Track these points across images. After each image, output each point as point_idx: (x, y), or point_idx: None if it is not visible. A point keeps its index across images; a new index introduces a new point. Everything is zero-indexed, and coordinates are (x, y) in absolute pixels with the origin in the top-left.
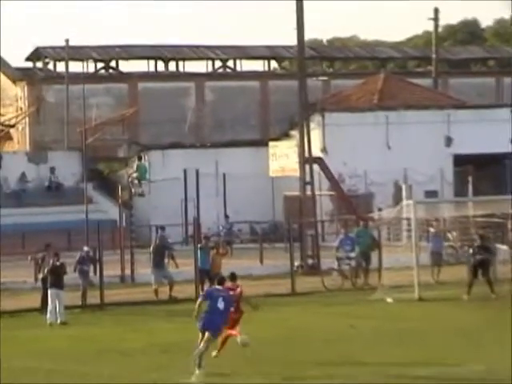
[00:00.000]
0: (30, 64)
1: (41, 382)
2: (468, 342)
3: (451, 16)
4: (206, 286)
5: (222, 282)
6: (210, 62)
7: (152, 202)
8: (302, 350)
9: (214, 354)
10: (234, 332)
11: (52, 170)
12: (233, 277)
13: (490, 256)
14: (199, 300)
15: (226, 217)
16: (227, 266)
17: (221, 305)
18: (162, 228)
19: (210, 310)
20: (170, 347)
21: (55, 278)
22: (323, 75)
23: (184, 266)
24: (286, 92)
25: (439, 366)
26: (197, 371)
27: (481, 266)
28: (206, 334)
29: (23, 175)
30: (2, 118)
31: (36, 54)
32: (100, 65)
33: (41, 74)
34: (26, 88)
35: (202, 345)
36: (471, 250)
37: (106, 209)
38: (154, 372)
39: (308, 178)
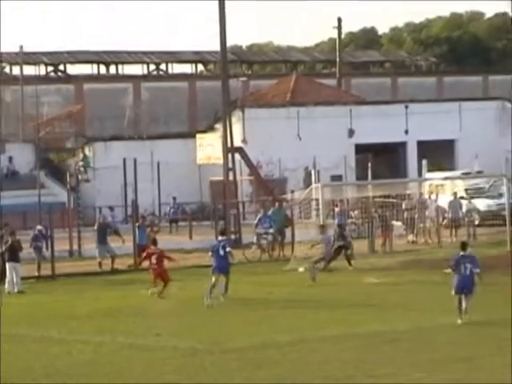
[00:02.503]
0: None
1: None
2: (370, 306)
3: (353, 24)
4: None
5: (223, 233)
6: (145, 66)
7: (96, 186)
8: (228, 314)
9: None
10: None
11: (10, 159)
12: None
13: (345, 243)
14: (210, 253)
15: (174, 198)
16: (161, 241)
17: (222, 251)
18: (111, 208)
19: (215, 258)
20: (113, 312)
21: (12, 253)
22: (243, 76)
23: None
24: (211, 91)
25: (345, 326)
26: (208, 300)
27: (341, 250)
28: (217, 275)
29: None
30: None
31: None
32: (50, 68)
33: None
34: None
35: (213, 280)
36: (333, 237)
37: (56, 193)
38: (99, 334)
39: (230, 165)
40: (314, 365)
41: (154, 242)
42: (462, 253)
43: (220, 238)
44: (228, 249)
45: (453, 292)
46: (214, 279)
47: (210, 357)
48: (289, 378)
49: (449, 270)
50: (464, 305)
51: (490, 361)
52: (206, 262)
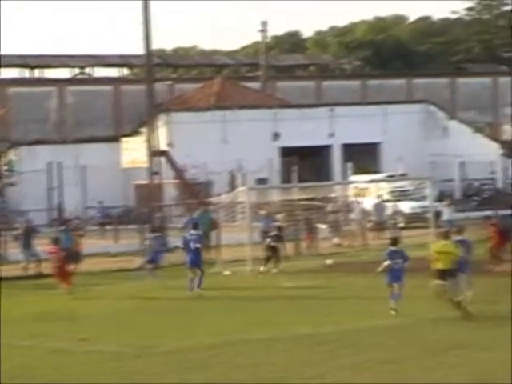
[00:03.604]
0: None
1: None
2: (295, 308)
3: (278, 28)
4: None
5: (196, 227)
6: (70, 69)
7: (22, 190)
8: (151, 319)
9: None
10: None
11: None
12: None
13: (279, 244)
14: (181, 246)
15: (100, 202)
16: (87, 245)
17: (193, 245)
18: (21, 213)
19: (188, 253)
20: (41, 316)
21: None
22: (168, 80)
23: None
24: (136, 95)
25: (273, 329)
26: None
27: (274, 250)
28: (192, 269)
29: None
30: None
31: None
32: None
33: None
34: None
35: (190, 274)
36: (268, 238)
37: None
38: (26, 339)
39: (156, 169)
40: (243, 368)
41: (56, 242)
42: (392, 248)
43: (192, 232)
44: (197, 245)
45: (386, 282)
46: (191, 273)
47: (137, 361)
48: (219, 381)
49: (384, 265)
50: (395, 293)
51: (418, 362)
52: (133, 265)
